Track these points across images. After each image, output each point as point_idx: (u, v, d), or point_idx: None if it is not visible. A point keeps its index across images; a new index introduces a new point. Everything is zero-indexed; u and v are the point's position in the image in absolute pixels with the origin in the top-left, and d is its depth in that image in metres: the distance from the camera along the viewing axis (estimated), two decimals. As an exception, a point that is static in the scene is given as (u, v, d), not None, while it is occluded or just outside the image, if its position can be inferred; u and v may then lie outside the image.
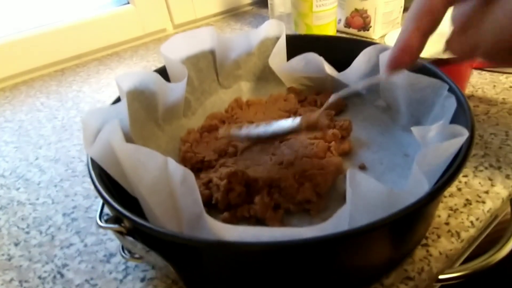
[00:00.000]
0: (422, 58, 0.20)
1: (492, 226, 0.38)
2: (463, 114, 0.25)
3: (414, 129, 0.27)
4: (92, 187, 0.34)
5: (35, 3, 0.60)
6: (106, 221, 0.21)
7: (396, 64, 0.19)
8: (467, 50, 0.17)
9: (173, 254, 0.20)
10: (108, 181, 0.24)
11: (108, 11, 0.63)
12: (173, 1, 0.67)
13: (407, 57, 0.19)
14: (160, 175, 0.21)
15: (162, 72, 0.34)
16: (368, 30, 0.55)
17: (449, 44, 0.18)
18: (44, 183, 0.36)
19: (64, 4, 0.62)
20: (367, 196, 0.18)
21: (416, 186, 0.19)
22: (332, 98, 0.28)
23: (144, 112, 0.31)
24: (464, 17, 0.17)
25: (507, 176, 0.29)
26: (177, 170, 0.20)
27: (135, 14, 0.64)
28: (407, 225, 0.21)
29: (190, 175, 0.20)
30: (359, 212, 0.18)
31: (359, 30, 0.56)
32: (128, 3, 0.65)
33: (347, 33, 0.58)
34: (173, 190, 0.20)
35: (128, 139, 0.28)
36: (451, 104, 0.27)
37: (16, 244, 0.30)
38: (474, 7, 0.17)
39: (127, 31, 0.65)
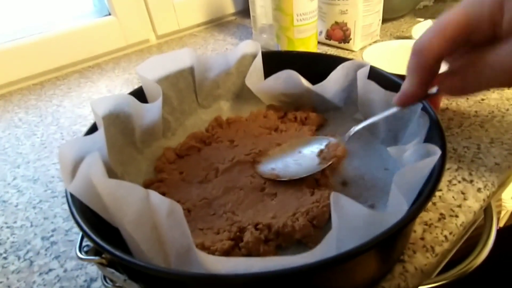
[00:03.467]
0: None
1: (469, 233, 0.39)
2: (436, 132, 0.26)
3: (391, 149, 0.28)
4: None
5: (12, 14, 0.59)
6: (87, 252, 0.21)
7: (403, 104, 0.25)
8: (458, 89, 0.22)
9: (156, 287, 0.20)
10: (88, 209, 0.24)
11: (89, 22, 0.62)
12: (156, 11, 0.67)
13: (411, 100, 0.24)
14: (143, 209, 0.20)
15: (139, 93, 0.33)
16: (348, 42, 0.57)
17: (442, 83, 0.22)
18: (22, 205, 0.35)
19: (44, 15, 0.61)
20: (351, 218, 0.19)
21: (396, 207, 0.19)
22: (352, 130, 0.31)
23: (121, 136, 0.31)
24: (456, 63, 0.21)
25: (479, 190, 0.31)
26: (162, 202, 0.20)
27: (117, 25, 0.64)
28: (390, 245, 0.22)
29: (178, 207, 0.19)
30: (345, 234, 0.19)
31: (339, 42, 0.58)
32: (110, 14, 0.64)
33: (328, 45, 0.59)
34: (157, 223, 0.20)
35: (107, 167, 0.27)
36: (426, 122, 0.28)
37: (-7, 271, 0.29)
38: (465, 56, 0.21)
39: (109, 42, 0.64)
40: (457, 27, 0.19)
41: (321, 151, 0.32)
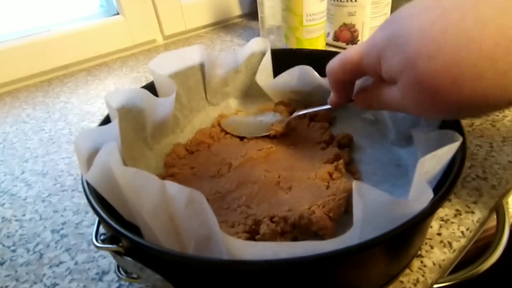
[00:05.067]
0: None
1: (478, 234, 0.39)
2: (452, 123, 0.26)
3: (414, 132, 0.28)
4: (82, 201, 0.33)
5: (22, 11, 0.59)
6: (103, 241, 0.20)
7: (333, 106, 0.30)
8: (365, 107, 0.26)
9: (175, 275, 0.20)
10: (103, 202, 0.23)
11: (97, 21, 0.62)
12: (163, 12, 0.67)
13: (337, 104, 0.29)
14: (159, 200, 0.20)
15: (150, 88, 0.33)
16: (356, 43, 0.57)
17: (356, 96, 0.27)
18: (31, 198, 0.35)
19: (52, 14, 0.61)
20: (374, 205, 0.18)
21: (420, 194, 0.19)
22: (294, 114, 0.36)
23: (132, 131, 0.30)
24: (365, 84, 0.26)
25: (493, 187, 0.31)
26: (181, 192, 0.19)
27: (124, 25, 0.64)
28: (413, 234, 0.21)
29: (199, 195, 0.19)
30: (368, 222, 0.18)
31: (347, 44, 0.58)
32: (118, 14, 0.64)
33: (335, 46, 0.60)
34: (174, 214, 0.20)
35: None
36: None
37: (1, 264, 0.28)
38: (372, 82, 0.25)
39: (116, 42, 0.64)
40: (353, 65, 0.23)
41: (272, 124, 0.37)
